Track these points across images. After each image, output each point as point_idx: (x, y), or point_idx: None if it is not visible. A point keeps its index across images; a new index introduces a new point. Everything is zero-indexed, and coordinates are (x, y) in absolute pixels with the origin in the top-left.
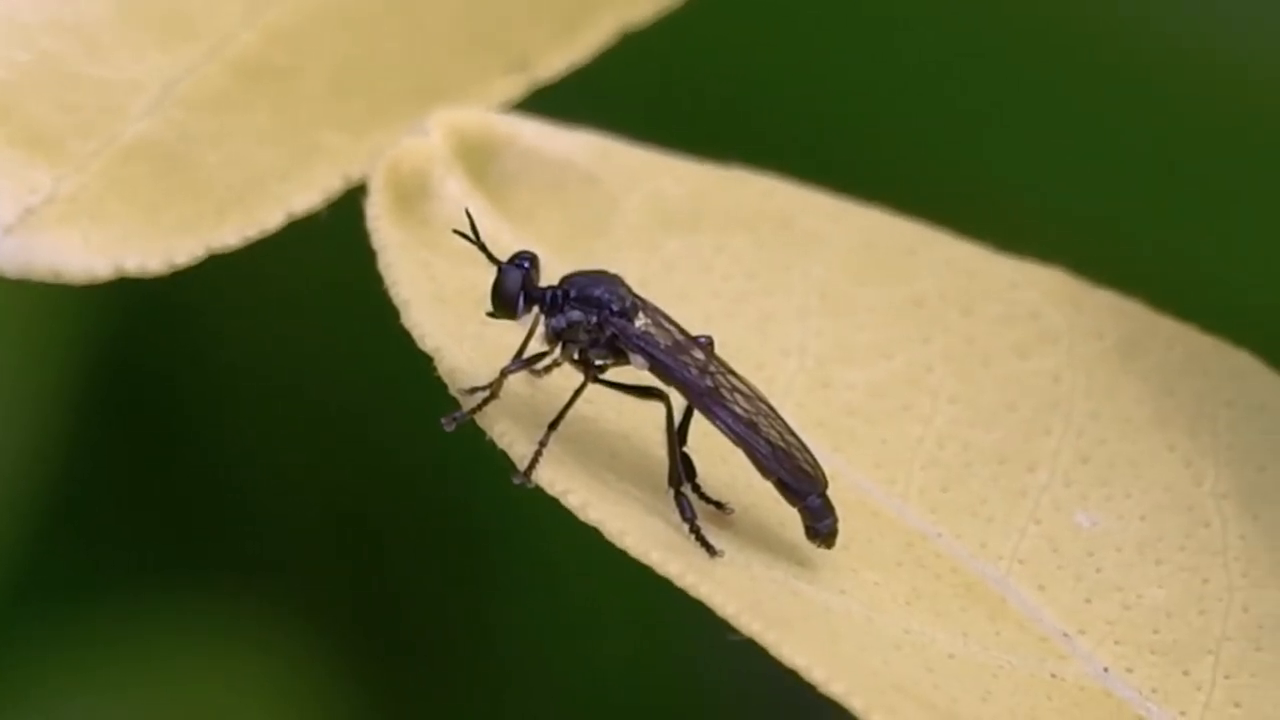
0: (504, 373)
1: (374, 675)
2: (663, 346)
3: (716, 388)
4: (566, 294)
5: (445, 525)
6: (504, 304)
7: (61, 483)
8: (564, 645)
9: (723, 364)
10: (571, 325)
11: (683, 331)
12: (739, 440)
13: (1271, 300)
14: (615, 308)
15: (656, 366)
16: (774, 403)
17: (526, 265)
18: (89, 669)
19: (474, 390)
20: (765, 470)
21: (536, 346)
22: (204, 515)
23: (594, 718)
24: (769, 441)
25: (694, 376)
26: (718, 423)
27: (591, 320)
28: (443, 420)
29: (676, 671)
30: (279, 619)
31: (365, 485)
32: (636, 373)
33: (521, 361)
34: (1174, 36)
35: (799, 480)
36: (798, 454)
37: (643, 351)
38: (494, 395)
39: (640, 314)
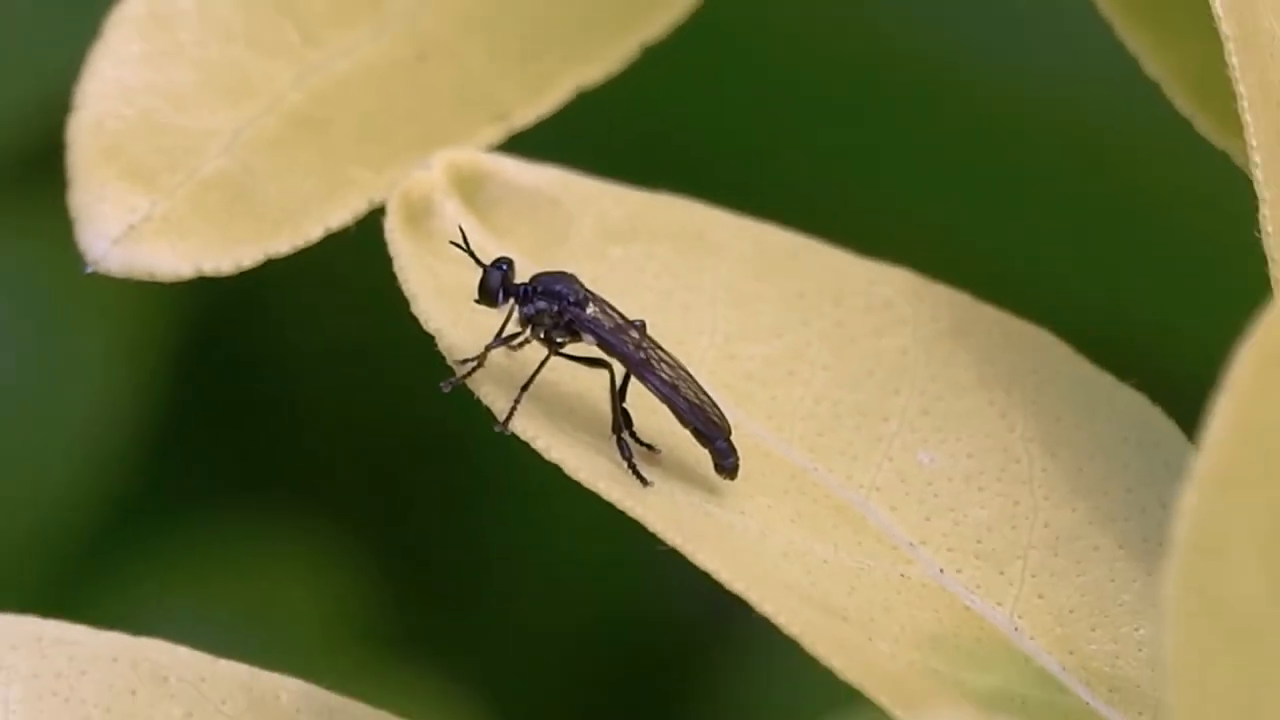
0: (488, 348)
1: (392, 569)
2: (607, 328)
3: (648, 359)
4: (535, 289)
5: (450, 460)
6: (487, 296)
7: (159, 427)
8: (543, 549)
9: (653, 342)
10: (539, 312)
11: (622, 317)
12: (664, 398)
13: (1067, 293)
14: (572, 299)
15: (603, 343)
16: (691, 370)
17: (505, 267)
18: (177, 569)
19: (465, 361)
20: (684, 421)
21: (512, 328)
22: (266, 451)
23: (567, 602)
24: (687, 399)
25: (631, 351)
26: (648, 385)
27: (554, 308)
28: (442, 384)
29: (632, 569)
30: (321, 530)
31: (389, 430)
32: (588, 348)
33: (500, 340)
34: (1001, 90)
35: (710, 428)
36: (709, 409)
37: (592, 332)
38: (480, 365)
39: (590, 304)
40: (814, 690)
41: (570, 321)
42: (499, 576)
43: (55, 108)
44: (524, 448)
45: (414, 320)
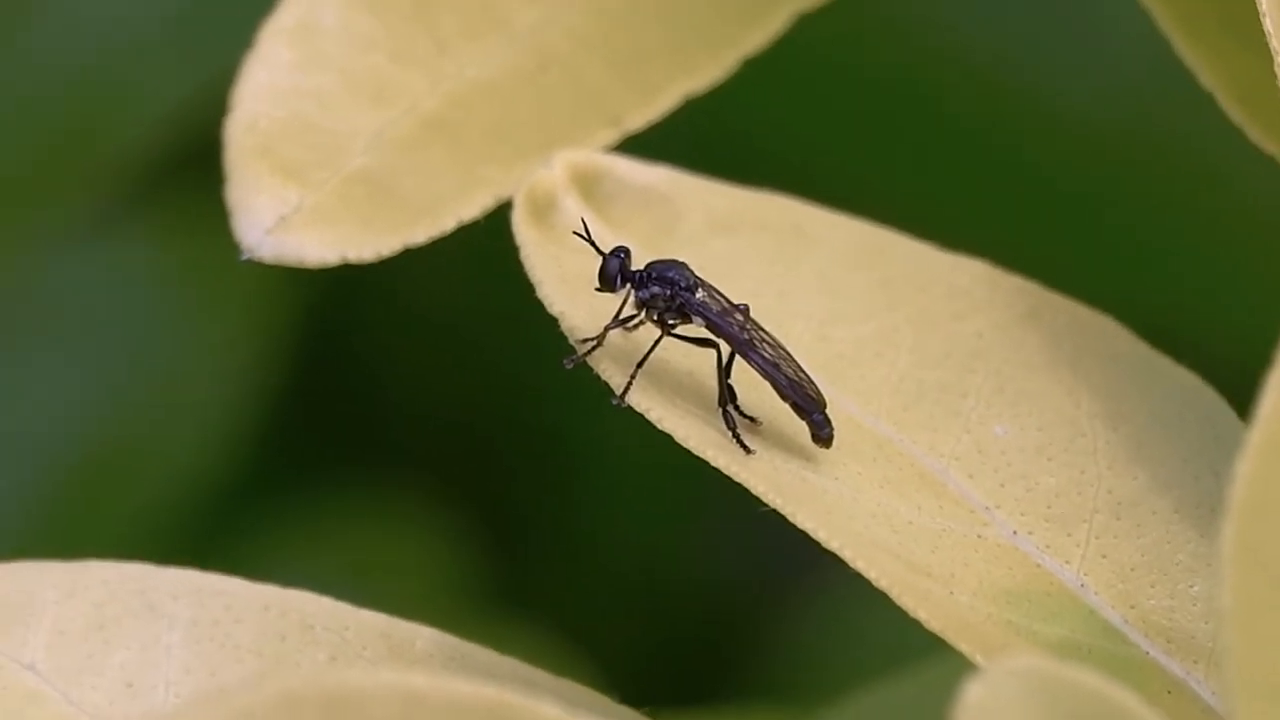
0: (606, 329)
1: (492, 533)
2: (715, 311)
3: (751, 339)
4: (649, 275)
5: (544, 436)
6: (607, 281)
7: (288, 404)
8: (627, 515)
9: (755, 324)
10: (653, 296)
11: (728, 301)
12: (766, 375)
13: (1127, 287)
14: (683, 284)
15: (711, 325)
16: (790, 350)
17: (622, 255)
18: (300, 532)
19: (585, 341)
20: (784, 395)
21: (628, 311)
22: (381, 426)
23: (648, 561)
24: (787, 376)
25: (736, 331)
26: (752, 363)
27: (667, 293)
28: (565, 361)
29: (703, 537)
30: (429, 497)
31: (490, 408)
32: (697, 329)
33: (618, 321)
34: (1070, 105)
35: (807, 402)
36: (806, 385)
37: (701, 314)
38: (599, 344)
39: (699, 289)
40: (874, 646)
41: (681, 305)
42: (587, 539)
43: (206, 113)
44: (610, 426)
45: (512, 307)
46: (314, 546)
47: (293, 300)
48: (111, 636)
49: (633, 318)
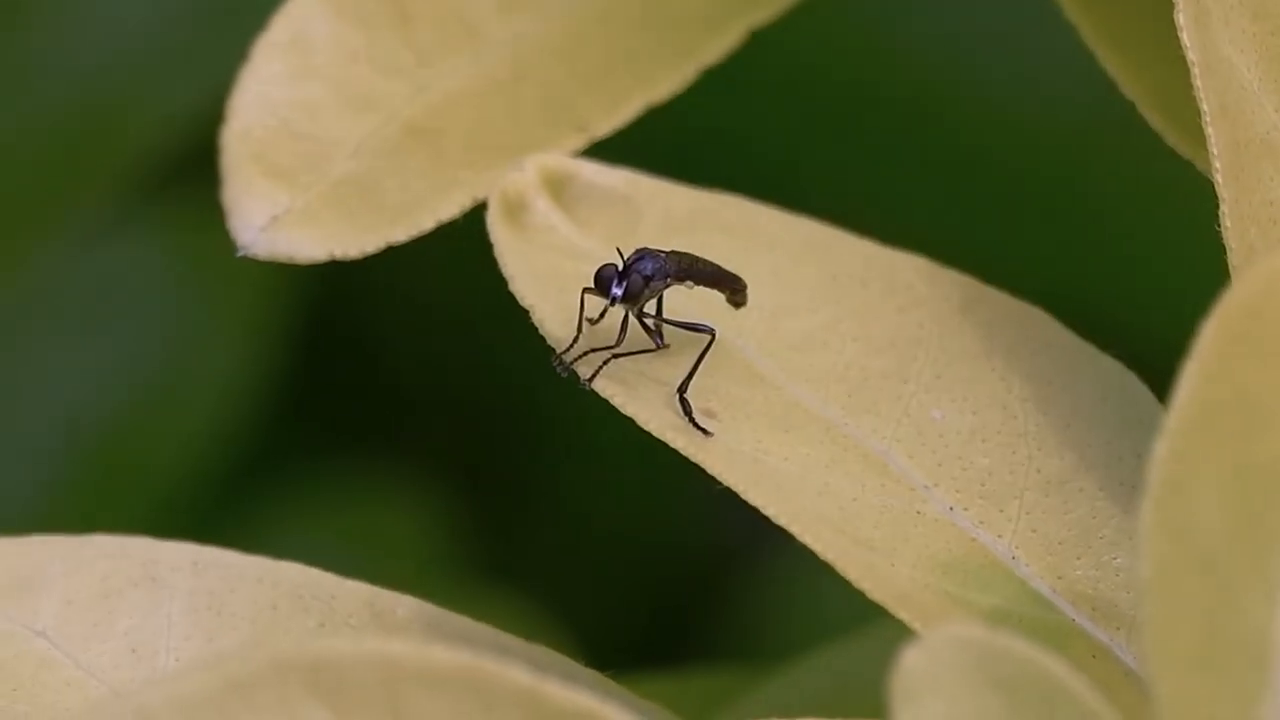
0: (579, 332)
1: (477, 508)
2: (706, 270)
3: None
4: (637, 280)
5: (524, 416)
6: (602, 287)
7: (284, 388)
8: (603, 488)
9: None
10: (633, 295)
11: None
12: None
13: (1054, 279)
14: (658, 276)
15: (702, 281)
16: (739, 342)
17: (619, 269)
18: (303, 509)
19: (566, 350)
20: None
21: (599, 310)
22: (370, 409)
23: (622, 533)
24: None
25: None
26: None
27: (646, 290)
28: (553, 362)
29: (676, 507)
30: (417, 475)
31: (473, 391)
32: (685, 312)
33: (585, 319)
34: (1004, 111)
35: (736, 281)
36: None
37: (690, 278)
38: (579, 334)
39: (667, 273)
40: (828, 609)
41: (661, 286)
42: (565, 513)
43: (208, 119)
44: (585, 409)
45: (495, 297)
46: (311, 520)
47: (293, 292)
48: (116, 606)
49: (604, 313)
